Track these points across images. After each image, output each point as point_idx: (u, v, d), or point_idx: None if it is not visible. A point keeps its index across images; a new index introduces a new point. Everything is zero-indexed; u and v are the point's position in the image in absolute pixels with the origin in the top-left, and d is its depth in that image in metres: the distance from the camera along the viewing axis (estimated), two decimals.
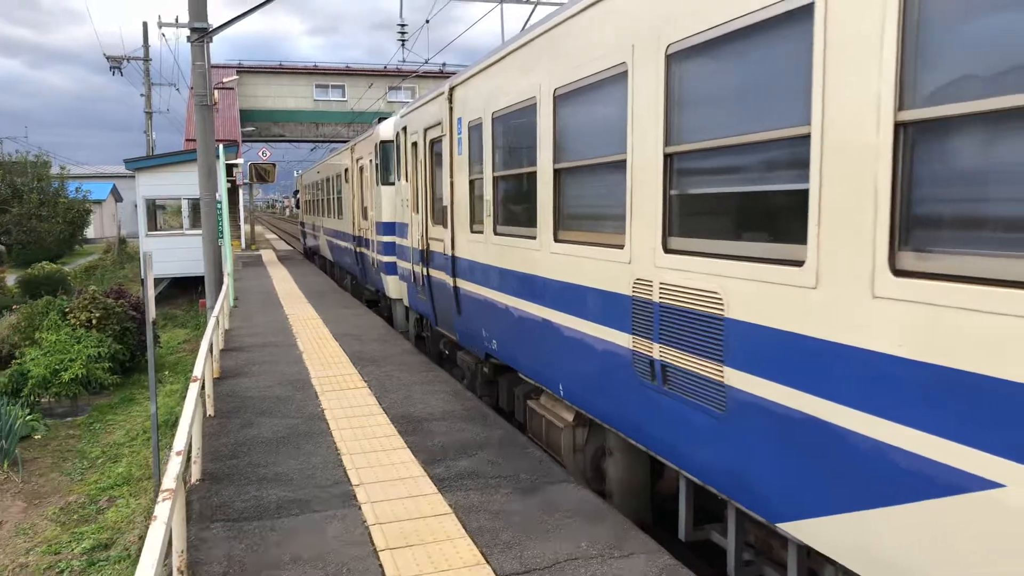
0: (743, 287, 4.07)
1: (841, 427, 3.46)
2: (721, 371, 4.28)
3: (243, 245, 35.32)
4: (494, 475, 6.30)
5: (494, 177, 7.99)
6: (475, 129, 8.55)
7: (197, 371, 7.08)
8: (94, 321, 16.89)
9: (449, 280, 9.76)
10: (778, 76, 3.85)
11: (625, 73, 5.18)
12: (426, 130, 10.81)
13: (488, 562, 4.76)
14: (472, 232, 8.81)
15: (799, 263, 3.65)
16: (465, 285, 9.19)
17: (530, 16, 11.09)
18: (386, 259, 14.82)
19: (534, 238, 6.91)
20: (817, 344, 3.57)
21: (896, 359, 3.16)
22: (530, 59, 6.89)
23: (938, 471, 2.99)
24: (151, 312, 8.97)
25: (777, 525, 3.96)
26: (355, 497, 5.85)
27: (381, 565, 4.74)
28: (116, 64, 37.06)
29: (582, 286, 6.01)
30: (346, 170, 20.12)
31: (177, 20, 17.87)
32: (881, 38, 3.11)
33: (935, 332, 2.98)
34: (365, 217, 17.21)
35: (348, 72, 43.02)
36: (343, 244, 21.15)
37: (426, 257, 11.05)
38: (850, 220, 3.34)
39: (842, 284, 3.39)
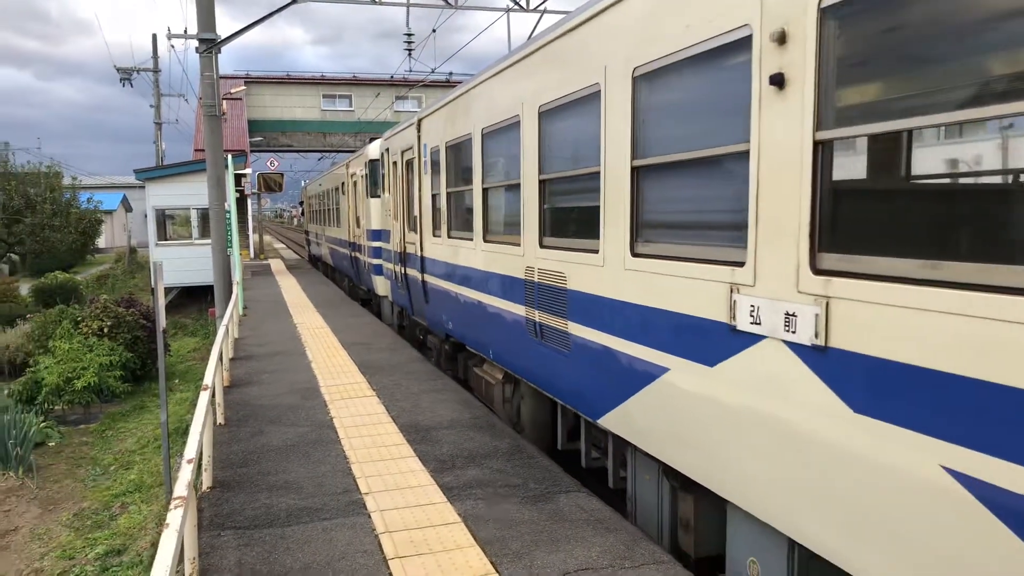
0: (573, 268, 6.26)
1: (615, 350, 5.60)
2: (566, 324, 6.42)
3: (252, 254, 35.50)
4: (503, 484, 6.33)
5: (447, 192, 10.11)
6: (435, 154, 10.66)
7: (208, 379, 7.14)
8: (106, 330, 17.04)
9: (419, 276, 11.90)
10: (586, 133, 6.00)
11: (517, 123, 7.35)
12: (403, 152, 12.87)
13: (498, 571, 4.79)
14: (434, 236, 10.93)
15: (596, 251, 5.81)
16: (431, 280, 11.30)
17: (536, 25, 11.15)
18: (375, 261, 16.85)
19: (472, 240, 9.05)
20: (603, 300, 5.75)
21: (635, 305, 5.29)
22: (469, 104, 9.00)
23: (646, 367, 5.14)
24: (162, 321, 9.06)
25: (597, 421, 6.04)
26: (364, 505, 5.89)
27: (391, 574, 4.77)
28: (126, 75, 37.37)
29: (498, 274, 8.13)
30: (343, 183, 22.02)
31: (186, 31, 18.05)
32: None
33: (646, 287, 5.12)
34: (359, 225, 19.12)
35: (355, 82, 43.21)
36: (341, 250, 23.20)
37: (403, 258, 13.16)
38: (618, 224, 5.45)
39: (613, 263, 5.54)
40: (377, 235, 16.59)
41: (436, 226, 10.82)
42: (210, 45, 15.68)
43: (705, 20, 4.28)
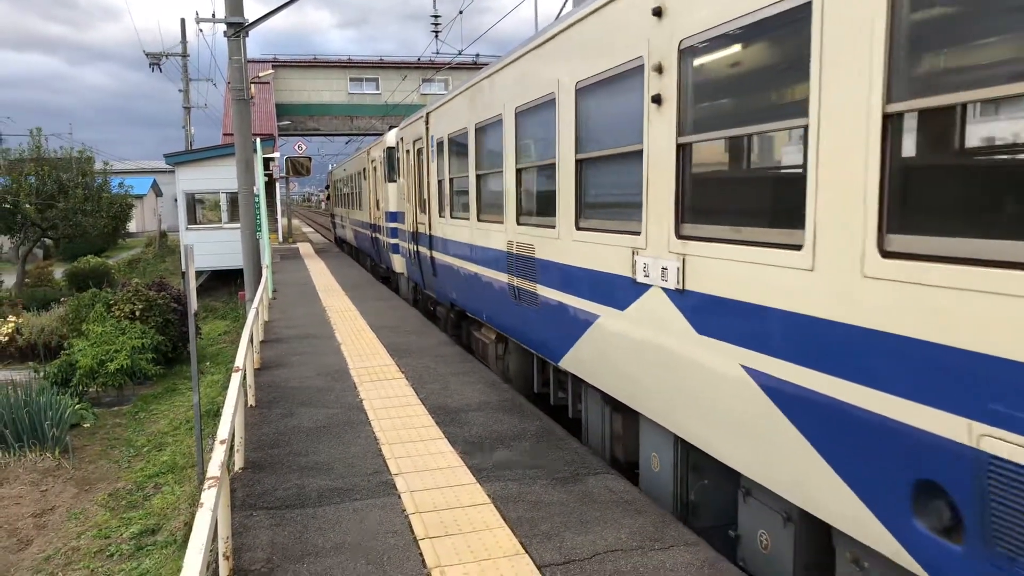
0: (539, 241, 7.72)
1: (567, 304, 7.05)
2: (535, 287, 7.89)
3: (280, 238, 35.76)
4: (532, 465, 6.33)
5: (450, 178, 11.52)
6: (439, 144, 12.11)
7: (239, 361, 7.20)
8: (137, 313, 17.28)
9: (428, 253, 13.33)
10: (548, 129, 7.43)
11: (500, 120, 8.84)
12: (414, 141, 14.29)
13: (528, 552, 4.79)
14: (440, 217, 12.30)
15: (553, 227, 7.24)
16: (437, 255, 12.73)
17: (563, 6, 11.02)
18: (392, 241, 18.22)
19: (468, 219, 10.45)
20: (559, 265, 7.18)
21: (579, 268, 6.70)
22: (465, 102, 10.42)
23: (586, 316, 6.59)
24: (193, 304, 9.14)
25: (558, 364, 7.46)
26: (394, 486, 5.92)
27: (421, 554, 4.79)
28: (155, 61, 37.67)
29: (489, 248, 9.51)
30: (364, 169, 23.48)
31: (214, 16, 18.09)
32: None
33: (586, 254, 6.52)
34: (378, 208, 20.45)
35: (382, 65, 43.17)
36: (363, 231, 24.80)
37: (416, 237, 14.60)
38: (568, 205, 6.85)
39: (565, 236, 6.97)
40: (394, 217, 17.81)
41: (441, 208, 12.20)
42: (238, 29, 15.73)
43: (618, 51, 5.82)
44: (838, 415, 3.73)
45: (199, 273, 23.72)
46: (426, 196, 13.26)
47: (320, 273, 23.12)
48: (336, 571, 4.61)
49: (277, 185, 31.76)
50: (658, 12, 5.18)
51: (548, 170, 7.37)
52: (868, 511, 3.57)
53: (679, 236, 5.03)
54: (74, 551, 8.87)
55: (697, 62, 4.87)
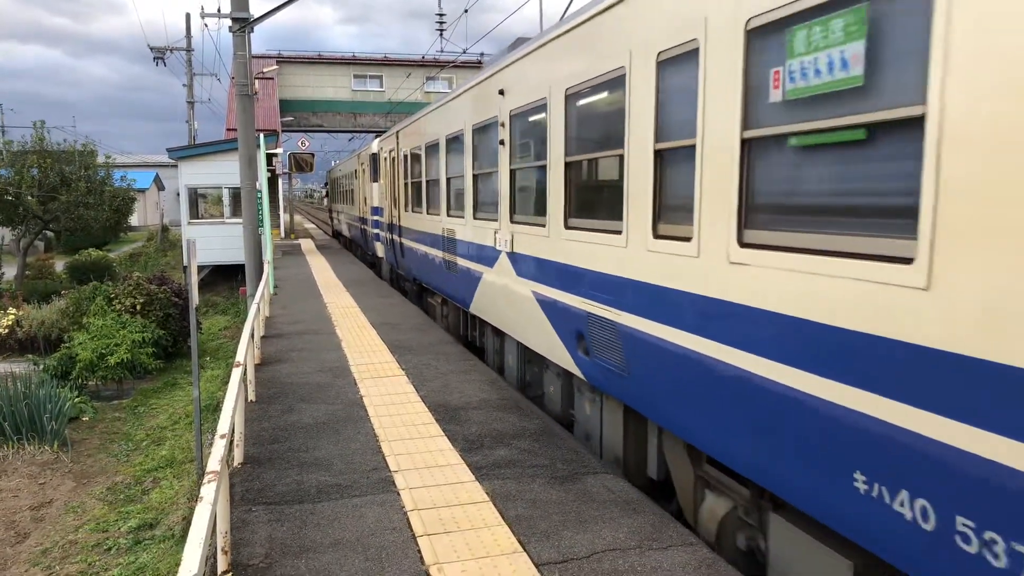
0: (457, 227, 10.92)
1: (469, 268, 10.38)
2: (455, 259, 11.16)
3: (282, 234, 35.74)
4: (531, 464, 6.32)
5: (412, 182, 14.97)
6: (405, 156, 15.70)
7: (240, 357, 7.20)
8: (138, 307, 17.26)
9: (399, 239, 16.95)
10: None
11: (437, 144, 12.30)
12: (390, 151, 17.82)
13: (526, 550, 4.78)
14: (405, 211, 15.85)
15: (463, 217, 10.83)
16: (403, 241, 16.26)
17: (569, 5, 11.00)
18: (375, 231, 21.86)
19: (421, 212, 13.95)
20: (465, 242, 10.52)
21: (473, 243, 10.23)
22: (417, 127, 14.23)
23: (478, 275, 9.96)
24: (195, 298, 9.14)
25: (468, 310, 10.60)
26: (394, 483, 5.92)
27: (420, 551, 4.79)
28: (160, 55, 37.67)
29: (430, 233, 13.07)
30: (356, 170, 27.06)
31: (219, 11, 18.07)
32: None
33: (477, 234, 9.93)
34: (366, 203, 23.90)
35: (386, 62, 43.15)
36: (355, 224, 28.53)
37: (391, 227, 18.09)
38: (468, 202, 10.37)
39: (468, 223, 10.37)
40: (377, 211, 21.14)
41: (406, 204, 15.73)
42: (243, 24, 15.72)
43: (488, 112, 9.42)
44: (558, 308, 7.22)
45: (200, 268, 23.71)
46: (397, 195, 16.88)
47: (321, 269, 23.11)
48: (334, 567, 4.61)
49: (280, 181, 31.75)
50: (502, 92, 8.76)
51: (460, 180, 10.91)
52: (567, 352, 7.13)
53: (511, 221, 8.64)
54: (72, 544, 8.87)
55: (518, 122, 8.37)
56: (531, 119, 7.90)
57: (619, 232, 5.89)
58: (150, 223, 59.82)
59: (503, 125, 8.60)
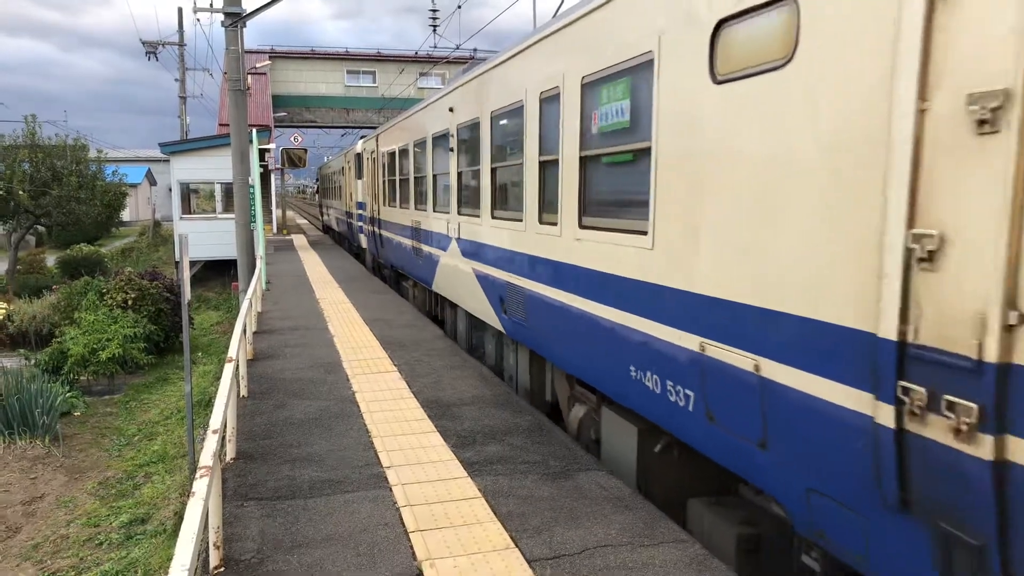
0: (423, 219, 12.95)
1: (430, 252, 12.46)
2: (421, 246, 13.24)
3: (274, 230, 35.65)
4: (523, 460, 6.35)
5: (388, 180, 16.94)
6: (383, 156, 17.52)
7: (232, 352, 7.19)
8: (130, 302, 17.23)
9: (379, 231, 18.96)
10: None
11: (407, 148, 14.21)
12: (371, 152, 19.87)
13: (517, 546, 4.80)
14: (384, 206, 17.70)
15: (426, 211, 12.72)
16: (383, 232, 18.06)
17: (561, 4, 11.00)
18: (359, 224, 23.54)
19: (396, 207, 15.80)
20: (428, 231, 12.57)
21: (433, 231, 12.18)
22: (391, 134, 16.25)
23: (437, 258, 11.97)
24: (187, 294, 9.12)
25: (431, 288, 12.71)
26: (386, 479, 5.93)
27: (412, 546, 4.81)
28: (152, 49, 37.46)
29: (402, 224, 15.02)
30: (343, 168, 28.69)
31: (212, 5, 18.02)
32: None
33: (438, 225, 11.88)
34: (351, 199, 25.58)
35: (379, 58, 43.06)
36: (342, 218, 30.42)
37: (372, 220, 20.19)
38: (429, 198, 12.44)
39: (430, 215, 12.38)
40: (361, 206, 22.79)
41: (384, 199, 17.57)
42: (236, 19, 15.67)
43: (440, 125, 11.47)
44: (489, 280, 9.07)
45: (192, 263, 23.61)
46: (377, 191, 18.94)
47: (314, 265, 23.08)
48: (326, 562, 4.62)
49: (272, 176, 31.64)
50: (451, 110, 10.62)
51: (423, 180, 12.81)
52: (495, 314, 8.96)
53: (458, 213, 10.52)
54: (63, 539, 8.86)
55: (463, 133, 10.18)
56: (471, 133, 9.84)
57: (521, 220, 7.92)
58: (142, 218, 59.60)
59: (452, 136, 10.64)
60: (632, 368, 5.58)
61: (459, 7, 21.04)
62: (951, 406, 2.98)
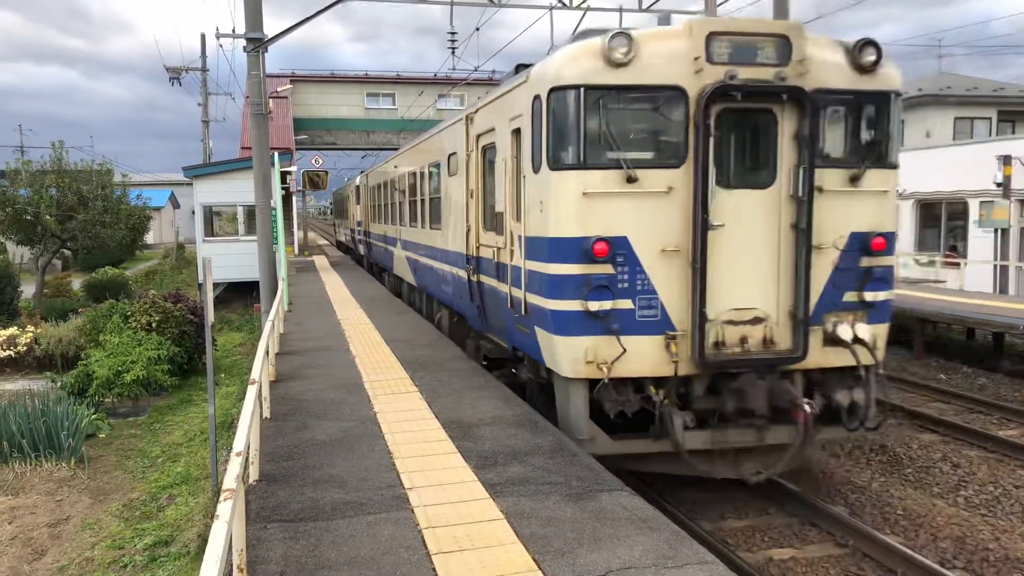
0: (398, 231, 19.73)
1: (391, 250, 21.53)
2: (387, 247, 22.67)
3: (296, 251, 35.96)
4: (545, 481, 6.32)
5: (372, 205, 25.52)
6: (367, 188, 26.65)
7: (255, 374, 7.24)
8: (154, 324, 17.39)
9: (369, 240, 26.99)
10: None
11: (379, 186, 23.93)
12: (364, 184, 27.76)
13: (541, 568, 4.77)
14: (370, 222, 26.25)
15: (394, 224, 20.67)
16: (371, 241, 26.39)
17: (579, 23, 11.13)
18: (359, 237, 30.97)
19: (377, 223, 24.14)
20: (392, 237, 21.21)
21: (391, 236, 21.40)
22: (374, 175, 25.33)
23: (392, 252, 21.49)
24: (210, 316, 9.21)
25: (394, 273, 21.61)
26: (408, 500, 5.93)
27: (435, 569, 4.79)
28: (175, 75, 38.13)
29: (380, 234, 23.75)
30: (348, 195, 36.39)
31: (234, 31, 18.30)
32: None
33: (389, 232, 22.30)
34: (354, 219, 33.23)
35: (398, 80, 43.47)
36: (348, 233, 38.41)
37: (365, 233, 28.06)
38: (390, 217, 21.65)
39: (394, 228, 20.97)
40: (359, 223, 30.51)
41: (371, 219, 25.75)
42: (257, 44, 15.93)
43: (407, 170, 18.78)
44: (410, 260, 17.52)
45: (215, 285, 23.84)
46: (367, 213, 27.11)
47: (335, 286, 23.21)
48: None
49: (294, 198, 31.98)
50: (396, 167, 19.23)
51: (389, 206, 19.83)
52: (414, 278, 17.50)
53: (401, 224, 18.27)
54: (88, 561, 8.92)
55: (404, 179, 18.14)
56: (409, 180, 16.68)
57: (423, 227, 15.01)
58: (165, 241, 60.30)
59: (400, 180, 17.58)
60: (443, 286, 13.23)
61: (477, 29, 21.23)
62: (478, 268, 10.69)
